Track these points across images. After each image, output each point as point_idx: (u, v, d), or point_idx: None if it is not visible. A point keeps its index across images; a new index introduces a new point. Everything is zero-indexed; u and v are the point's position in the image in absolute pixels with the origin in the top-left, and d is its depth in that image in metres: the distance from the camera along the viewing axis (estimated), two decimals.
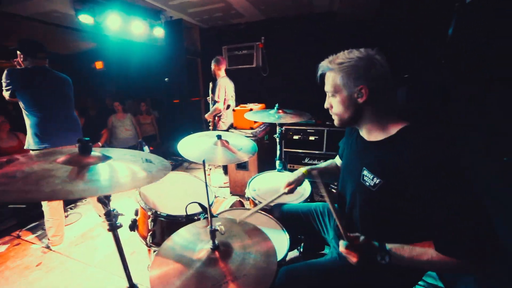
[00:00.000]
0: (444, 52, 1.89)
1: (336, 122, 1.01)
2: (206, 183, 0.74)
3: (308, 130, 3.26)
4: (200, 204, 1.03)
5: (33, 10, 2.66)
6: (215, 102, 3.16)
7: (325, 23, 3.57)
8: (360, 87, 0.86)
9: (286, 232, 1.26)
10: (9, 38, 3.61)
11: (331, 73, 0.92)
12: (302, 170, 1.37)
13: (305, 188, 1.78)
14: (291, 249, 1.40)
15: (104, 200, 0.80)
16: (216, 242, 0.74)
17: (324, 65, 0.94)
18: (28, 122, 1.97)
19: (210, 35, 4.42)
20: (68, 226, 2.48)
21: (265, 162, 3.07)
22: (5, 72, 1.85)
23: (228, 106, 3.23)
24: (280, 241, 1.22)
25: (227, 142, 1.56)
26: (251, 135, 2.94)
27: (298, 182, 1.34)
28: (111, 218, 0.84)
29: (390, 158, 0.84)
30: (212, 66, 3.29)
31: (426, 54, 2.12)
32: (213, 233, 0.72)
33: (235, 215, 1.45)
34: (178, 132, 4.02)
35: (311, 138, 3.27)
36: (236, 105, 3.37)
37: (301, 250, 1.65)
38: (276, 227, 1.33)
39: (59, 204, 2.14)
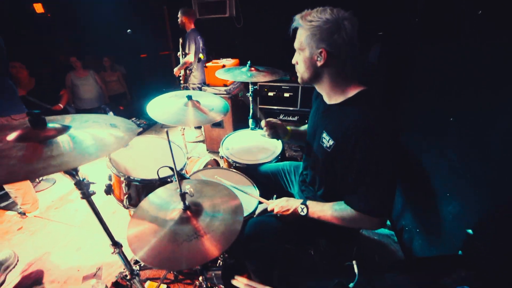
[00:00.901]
0: (418, 10, 1.85)
1: (299, 80, 1.03)
2: (171, 150, 0.77)
3: (283, 87, 3.24)
4: (170, 168, 1.08)
5: None
6: (185, 55, 2.95)
7: None
8: (320, 50, 0.87)
9: (256, 188, 1.38)
10: None
11: (301, 29, 0.90)
12: (287, 127, 1.38)
13: (276, 146, 1.88)
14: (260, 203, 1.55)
15: (71, 172, 0.81)
16: (187, 203, 0.82)
17: (297, 19, 0.91)
18: None
19: None
20: (42, 192, 2.46)
21: (240, 119, 3.09)
22: None
23: (199, 60, 3.06)
24: (250, 199, 1.34)
25: (198, 102, 1.54)
26: (225, 93, 2.88)
27: (276, 126, 1.34)
28: (82, 187, 0.86)
29: (342, 121, 0.91)
30: (181, 18, 3.00)
31: (402, 12, 2.06)
32: (183, 195, 0.79)
33: (209, 174, 1.53)
34: (149, 89, 3.78)
35: (286, 94, 3.27)
36: (208, 60, 3.17)
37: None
38: (248, 184, 1.44)
39: None
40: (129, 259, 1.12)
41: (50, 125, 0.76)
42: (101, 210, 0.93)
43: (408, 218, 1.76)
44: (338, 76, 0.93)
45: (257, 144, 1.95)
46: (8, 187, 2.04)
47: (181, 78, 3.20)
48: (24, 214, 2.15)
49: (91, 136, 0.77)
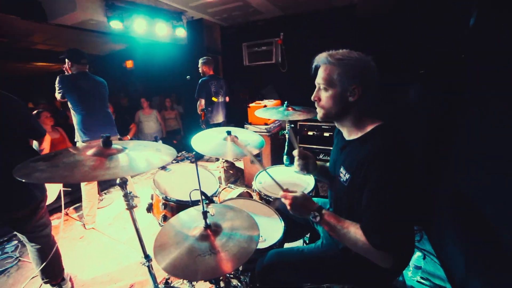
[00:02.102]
0: (465, 45, 1.78)
1: (319, 115, 1.03)
2: (198, 174, 0.89)
3: (322, 126, 3.28)
4: (202, 192, 1.19)
5: (74, 20, 3.06)
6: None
7: (343, 17, 3.50)
8: (353, 86, 0.90)
9: (282, 221, 1.38)
10: (58, 45, 4.13)
11: (329, 66, 0.93)
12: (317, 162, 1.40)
13: (309, 183, 1.86)
14: (290, 239, 1.50)
15: (122, 184, 0.99)
16: (209, 222, 0.89)
17: (322, 57, 0.96)
18: (75, 119, 2.35)
19: (231, 32, 4.55)
20: (102, 209, 2.87)
21: (279, 157, 3.17)
22: (57, 78, 2.23)
23: (212, 102, 3.41)
24: (275, 229, 1.34)
25: (236, 137, 1.70)
26: (265, 131, 3.05)
27: (308, 157, 1.32)
28: (128, 199, 1.04)
29: (358, 154, 0.91)
30: (201, 67, 3.45)
31: (445, 48, 2.01)
32: (204, 214, 0.87)
33: (239, 203, 1.60)
34: (200, 128, 4.27)
35: (326, 134, 3.28)
36: (252, 101, 3.49)
37: (307, 241, 1.74)
38: (274, 216, 1.45)
39: (93, 188, 2.49)
40: (158, 281, 1.20)
41: (114, 146, 0.98)
42: (143, 229, 1.08)
43: (479, 285, 1.41)
44: (363, 113, 0.96)
45: (289, 179, 1.96)
46: (85, 197, 2.45)
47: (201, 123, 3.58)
48: (84, 225, 2.52)
49: (142, 156, 0.96)
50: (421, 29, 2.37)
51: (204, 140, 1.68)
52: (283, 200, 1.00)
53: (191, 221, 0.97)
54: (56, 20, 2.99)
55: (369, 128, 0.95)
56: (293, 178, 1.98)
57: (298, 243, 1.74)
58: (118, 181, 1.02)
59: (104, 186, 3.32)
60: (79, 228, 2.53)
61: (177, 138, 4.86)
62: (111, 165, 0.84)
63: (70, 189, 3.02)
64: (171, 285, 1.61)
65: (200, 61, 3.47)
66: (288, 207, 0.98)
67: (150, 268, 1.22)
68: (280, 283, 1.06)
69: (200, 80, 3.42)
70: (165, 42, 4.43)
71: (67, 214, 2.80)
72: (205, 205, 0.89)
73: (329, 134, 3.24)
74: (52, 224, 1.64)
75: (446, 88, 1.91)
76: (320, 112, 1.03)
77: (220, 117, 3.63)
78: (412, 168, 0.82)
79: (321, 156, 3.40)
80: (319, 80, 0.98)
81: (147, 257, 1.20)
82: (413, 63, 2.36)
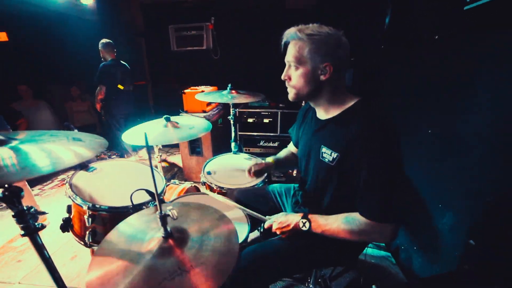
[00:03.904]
0: (383, 38, 2.07)
1: (291, 96, 0.97)
2: (151, 165, 0.64)
3: (262, 113, 3.25)
4: (147, 191, 0.91)
5: None
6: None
7: (274, 8, 3.54)
8: (325, 64, 0.85)
9: (244, 212, 1.23)
10: None
11: (299, 42, 0.87)
12: (269, 159, 1.40)
13: None
14: (252, 230, 1.39)
15: (10, 198, 0.61)
16: (169, 228, 0.65)
17: (291, 32, 0.88)
18: None
19: (154, 12, 3.94)
20: None
21: (220, 147, 2.98)
22: None
23: (118, 90, 3.13)
24: (240, 221, 1.19)
25: (176, 123, 1.52)
26: (204, 119, 2.79)
27: (261, 169, 1.36)
28: (25, 219, 0.66)
29: (343, 132, 0.88)
30: (102, 52, 3.09)
31: (368, 40, 2.29)
32: (163, 218, 0.63)
33: (193, 200, 1.36)
34: (122, 121, 3.56)
35: (265, 120, 3.28)
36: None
37: (261, 230, 1.66)
38: (235, 210, 1.29)
39: None
40: None
41: None
42: (56, 257, 0.72)
43: (402, 236, 1.69)
44: (337, 89, 0.92)
45: (241, 167, 1.82)
46: None
47: (101, 112, 3.23)
48: None
49: (43, 150, 0.61)
50: (349, 20, 2.61)
51: (139, 133, 1.40)
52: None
53: (140, 232, 0.70)
54: None
55: (349, 104, 0.91)
56: (245, 166, 1.84)
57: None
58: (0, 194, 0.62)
59: None
60: None
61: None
62: None
63: None
64: None
65: (100, 44, 3.01)
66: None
67: None
68: (261, 281, 0.94)
69: (101, 65, 2.98)
70: (65, 13, 3.40)
71: None
72: (160, 206, 0.64)
73: (269, 120, 3.26)
74: None
75: (372, 72, 2.18)
76: (291, 92, 0.96)
77: (128, 107, 3.33)
78: (399, 143, 0.84)
79: (261, 143, 3.40)
80: (289, 57, 0.91)
81: None
82: None
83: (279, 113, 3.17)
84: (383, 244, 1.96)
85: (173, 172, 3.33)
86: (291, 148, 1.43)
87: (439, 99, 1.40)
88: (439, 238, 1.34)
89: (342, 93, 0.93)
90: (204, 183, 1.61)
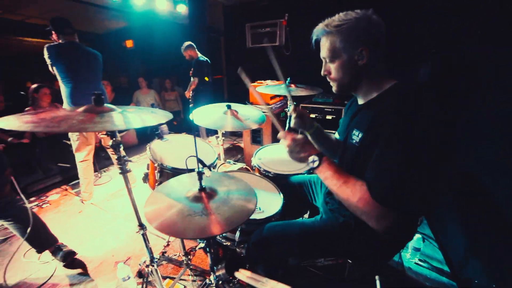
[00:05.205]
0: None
1: (334, 89, 0.98)
2: (195, 138, 0.84)
3: (325, 109, 3.19)
4: (197, 158, 1.15)
5: None
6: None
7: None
8: (360, 49, 0.84)
9: (281, 195, 1.34)
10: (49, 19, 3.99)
11: (329, 36, 0.88)
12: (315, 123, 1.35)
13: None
14: (289, 216, 1.48)
15: (115, 146, 0.95)
16: (203, 184, 0.85)
17: (320, 29, 0.90)
18: (63, 91, 2.23)
19: (234, 13, 4.39)
20: (100, 186, 2.86)
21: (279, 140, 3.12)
22: (44, 48, 2.09)
23: (204, 82, 3.61)
24: (274, 202, 1.31)
25: (236, 111, 1.68)
26: (265, 111, 2.98)
27: (304, 115, 1.32)
28: (122, 162, 1.00)
29: (371, 113, 0.86)
30: (188, 52, 3.63)
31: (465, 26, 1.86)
32: (199, 174, 0.83)
33: (237, 175, 1.57)
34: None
35: (328, 117, 3.20)
36: (254, 81, 3.41)
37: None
38: (274, 191, 1.41)
39: (88, 166, 2.46)
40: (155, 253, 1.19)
41: (106, 105, 0.93)
42: (138, 201, 1.06)
43: (478, 268, 1.40)
44: (376, 71, 0.89)
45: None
46: (81, 174, 2.44)
47: (190, 100, 3.74)
48: (82, 201, 2.53)
49: (135, 115, 0.93)
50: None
51: (204, 114, 1.65)
52: (282, 140, 0.96)
53: (185, 186, 0.94)
54: None
55: (385, 87, 0.89)
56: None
57: None
58: (110, 143, 0.97)
59: (102, 164, 3.30)
60: (77, 203, 2.54)
61: (177, 120, 4.80)
62: (101, 120, 0.79)
63: (68, 165, 3.02)
64: (168, 256, 1.60)
65: (184, 46, 3.61)
66: (287, 148, 0.94)
67: (145, 236, 1.20)
68: (276, 255, 1.03)
69: (195, 60, 3.54)
70: (166, 20, 4.27)
71: (66, 189, 2.81)
72: (198, 164, 0.85)
73: (332, 117, 3.16)
74: (50, 199, 1.63)
75: (458, 70, 1.82)
76: (334, 86, 0.98)
77: (210, 96, 3.83)
78: (428, 129, 0.74)
79: None
80: (324, 53, 0.93)
81: (142, 225, 1.18)
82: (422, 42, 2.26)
83: (343, 110, 3.04)
84: (447, 269, 1.68)
85: (236, 158, 3.71)
86: (336, 135, 1.37)
87: None
88: None
89: (381, 76, 0.90)
90: (254, 167, 1.80)
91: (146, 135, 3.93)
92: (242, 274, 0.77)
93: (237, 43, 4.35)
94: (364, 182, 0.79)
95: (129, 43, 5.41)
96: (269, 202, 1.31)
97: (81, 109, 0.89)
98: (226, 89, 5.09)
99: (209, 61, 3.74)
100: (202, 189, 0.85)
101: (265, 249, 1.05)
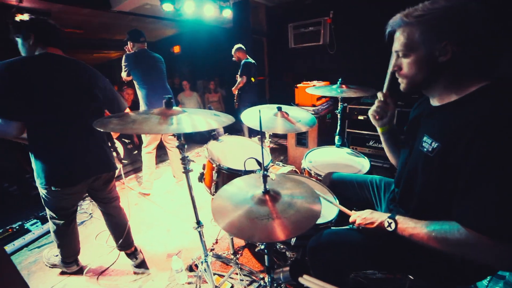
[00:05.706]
0: None
1: (403, 86, 0.89)
2: (262, 142, 0.84)
3: None
4: (256, 159, 1.16)
5: (132, 5, 3.28)
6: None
7: None
8: (444, 42, 0.72)
9: (336, 199, 1.27)
10: (116, 32, 4.52)
11: (407, 28, 0.78)
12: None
13: (363, 165, 1.71)
14: (343, 222, 1.40)
15: (181, 147, 1.01)
16: (268, 187, 0.84)
17: (396, 20, 0.81)
18: (140, 94, 2.53)
19: (276, 13, 4.39)
20: (157, 180, 3.11)
21: (325, 141, 3.00)
22: (123, 57, 2.41)
23: (250, 82, 3.68)
24: (329, 206, 1.24)
25: (286, 113, 1.65)
26: (313, 112, 2.91)
27: (390, 104, 1.13)
28: (185, 162, 1.05)
29: (452, 120, 0.74)
30: (237, 54, 3.74)
31: None
32: (264, 177, 0.83)
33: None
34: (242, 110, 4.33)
35: None
36: (296, 83, 3.36)
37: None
38: (328, 194, 1.35)
39: (152, 157, 2.71)
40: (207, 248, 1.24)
41: (175, 108, 1.01)
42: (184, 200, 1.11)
43: None
44: (461, 70, 0.75)
45: (341, 160, 1.83)
46: (145, 164, 2.69)
47: (235, 97, 3.85)
48: (141, 193, 2.78)
49: (201, 117, 0.99)
50: None
51: (253, 116, 1.66)
52: (356, 224, 0.98)
53: (248, 188, 0.94)
54: (117, 7, 3.23)
55: (471, 89, 0.75)
56: (345, 160, 1.84)
57: None
58: (176, 143, 1.04)
59: (161, 159, 3.59)
60: (134, 196, 2.80)
61: None
62: (174, 122, 0.85)
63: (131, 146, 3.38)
64: (217, 254, 1.65)
65: (235, 48, 3.71)
66: (360, 227, 0.96)
67: (201, 234, 1.25)
68: (333, 263, 0.98)
69: (244, 61, 3.62)
70: (211, 25, 4.46)
71: (123, 183, 3.12)
72: (263, 167, 0.84)
73: None
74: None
75: None
76: (403, 83, 0.88)
77: (254, 97, 3.89)
78: None
79: (371, 143, 3.12)
80: (397, 47, 0.83)
81: (198, 223, 1.23)
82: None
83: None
84: None
85: (279, 159, 3.69)
86: None
87: None
88: None
89: (468, 75, 0.75)
90: (304, 170, 1.75)
91: (191, 136, 4.16)
92: (307, 280, 0.74)
93: (280, 44, 4.33)
94: (458, 226, 0.69)
95: (176, 49, 5.84)
96: (325, 206, 1.25)
97: (155, 111, 0.97)
98: (268, 90, 5.11)
99: (255, 63, 3.82)
100: (266, 191, 0.84)
101: (322, 255, 1.01)
